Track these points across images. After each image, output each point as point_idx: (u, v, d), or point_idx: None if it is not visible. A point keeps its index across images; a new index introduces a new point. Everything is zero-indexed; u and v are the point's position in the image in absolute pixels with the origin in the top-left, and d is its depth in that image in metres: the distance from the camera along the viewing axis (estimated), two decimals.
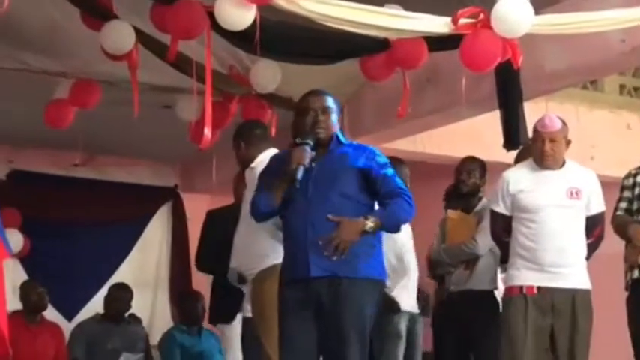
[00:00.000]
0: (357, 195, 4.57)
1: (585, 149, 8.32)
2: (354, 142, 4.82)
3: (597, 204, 5.28)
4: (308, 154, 4.52)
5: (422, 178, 8.64)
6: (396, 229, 4.71)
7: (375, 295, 4.56)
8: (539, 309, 5.04)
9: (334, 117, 4.68)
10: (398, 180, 4.68)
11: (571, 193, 5.17)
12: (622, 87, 9.24)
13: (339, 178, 4.55)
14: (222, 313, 6.95)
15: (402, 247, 6.10)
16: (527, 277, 5.08)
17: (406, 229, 6.00)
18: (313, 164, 4.52)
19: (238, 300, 6.08)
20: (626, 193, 5.50)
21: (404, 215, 4.64)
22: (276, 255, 4.84)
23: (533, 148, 5.27)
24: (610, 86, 9.15)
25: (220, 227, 6.07)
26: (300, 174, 4.46)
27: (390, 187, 4.61)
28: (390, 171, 4.65)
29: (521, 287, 5.09)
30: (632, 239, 5.31)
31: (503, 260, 5.47)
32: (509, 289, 5.17)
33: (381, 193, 4.60)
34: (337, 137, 4.69)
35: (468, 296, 5.93)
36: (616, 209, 5.48)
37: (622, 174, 5.70)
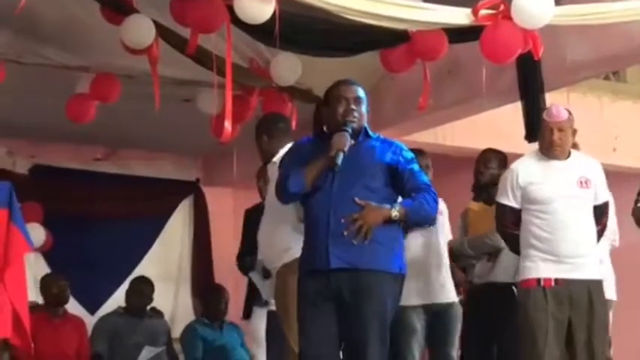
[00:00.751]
0: (381, 189, 4.56)
1: (608, 140, 8.29)
2: (382, 136, 4.80)
3: (604, 193, 5.28)
4: (348, 140, 4.51)
5: (443, 170, 8.61)
6: (419, 223, 4.75)
7: (395, 289, 4.55)
8: (558, 301, 5.01)
9: (364, 108, 4.67)
10: (424, 176, 4.68)
11: (581, 183, 5.15)
12: None
13: (366, 171, 4.54)
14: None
15: None
16: (544, 269, 5.05)
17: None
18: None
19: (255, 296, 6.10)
20: None
21: (429, 210, 4.61)
22: (299, 248, 4.83)
23: (541, 138, 5.24)
24: (633, 77, 9.09)
25: (256, 224, 6.07)
26: (340, 159, 4.45)
27: (417, 183, 4.60)
28: (416, 166, 4.65)
29: (538, 280, 5.06)
30: None
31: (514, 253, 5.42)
32: (526, 282, 5.12)
33: (406, 188, 4.59)
34: (366, 129, 4.68)
35: (492, 289, 5.89)
36: (637, 201, 5.45)
37: None
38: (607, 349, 5.70)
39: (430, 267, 6.04)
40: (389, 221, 4.47)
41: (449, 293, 6.07)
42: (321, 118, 4.76)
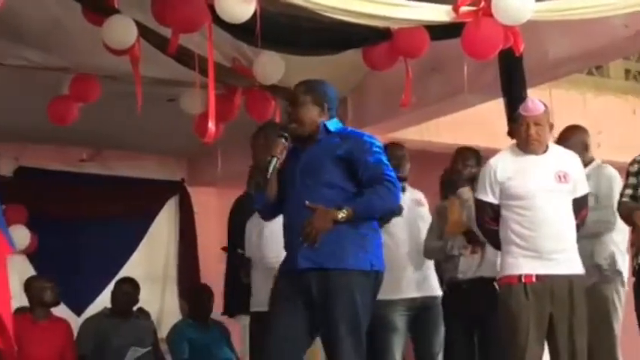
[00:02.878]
0: (342, 183, 4.57)
1: (592, 136, 8.25)
2: (349, 129, 4.80)
3: (583, 186, 5.28)
4: (282, 145, 4.57)
5: (429, 167, 8.64)
6: (373, 217, 4.65)
7: (367, 285, 4.52)
8: (539, 297, 5.02)
9: (308, 109, 4.69)
10: (383, 166, 4.61)
11: (559, 177, 5.15)
12: (627, 72, 9.23)
13: (323, 168, 4.57)
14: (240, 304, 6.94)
15: None
16: (525, 265, 5.05)
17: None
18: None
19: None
20: (632, 180, 5.46)
21: (380, 203, 4.56)
22: None
23: (518, 132, 5.24)
24: (615, 72, 9.13)
25: (244, 214, 6.10)
26: (272, 166, 4.55)
27: (370, 174, 4.56)
28: (373, 157, 4.60)
29: (519, 276, 5.06)
30: (638, 225, 5.29)
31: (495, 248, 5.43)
32: (507, 278, 5.12)
33: (363, 180, 4.57)
34: (325, 126, 4.68)
35: (480, 284, 5.87)
36: (622, 195, 5.46)
37: (629, 160, 5.68)
38: (615, 350, 5.73)
39: (412, 260, 6.06)
40: (337, 223, 4.46)
41: (432, 287, 6.08)
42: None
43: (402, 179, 6.22)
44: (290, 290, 4.51)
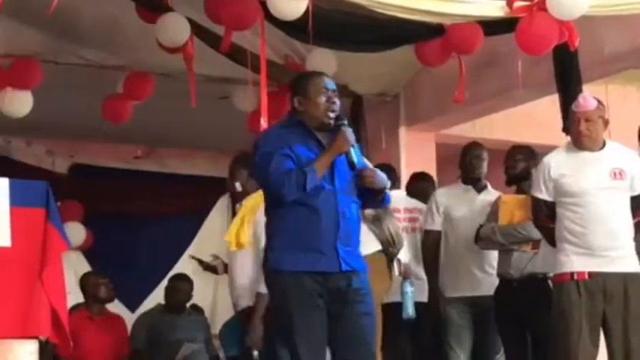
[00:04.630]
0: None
1: None
2: None
3: None
4: (353, 135, 4.47)
5: None
6: (382, 206, 4.82)
7: None
8: (592, 295, 4.96)
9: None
10: None
11: (615, 174, 5.07)
12: None
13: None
14: None
15: None
16: (577, 262, 4.99)
17: None
18: None
19: None
20: None
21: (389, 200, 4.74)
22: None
23: (571, 129, 5.19)
24: None
25: None
26: (354, 156, 4.42)
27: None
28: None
29: (572, 274, 5.01)
30: None
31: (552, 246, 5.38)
32: (560, 276, 5.07)
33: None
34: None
35: (531, 281, 5.81)
36: None
37: None
38: None
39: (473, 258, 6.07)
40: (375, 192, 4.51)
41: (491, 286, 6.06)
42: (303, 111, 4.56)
43: (473, 179, 6.25)
44: (318, 294, 4.37)
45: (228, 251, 5.88)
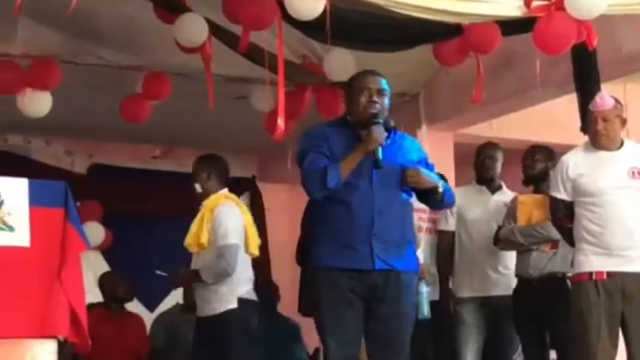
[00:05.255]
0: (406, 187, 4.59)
1: None
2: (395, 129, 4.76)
3: None
4: (384, 134, 4.47)
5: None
6: (443, 206, 4.84)
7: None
8: (610, 294, 4.94)
9: (387, 100, 4.62)
10: None
11: (633, 173, 5.05)
12: None
13: (400, 169, 4.52)
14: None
15: None
16: (595, 262, 4.98)
17: None
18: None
19: None
20: None
21: (453, 199, 4.78)
22: None
23: (588, 128, 5.18)
24: None
25: None
26: (380, 154, 4.42)
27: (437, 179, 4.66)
28: (429, 159, 4.75)
29: (590, 273, 4.99)
30: None
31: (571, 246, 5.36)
32: (578, 276, 5.06)
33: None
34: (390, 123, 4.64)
35: (551, 281, 5.81)
36: None
37: None
38: None
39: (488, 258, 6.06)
40: (427, 191, 4.54)
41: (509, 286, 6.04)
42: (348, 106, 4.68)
43: (486, 180, 6.24)
44: (353, 292, 4.43)
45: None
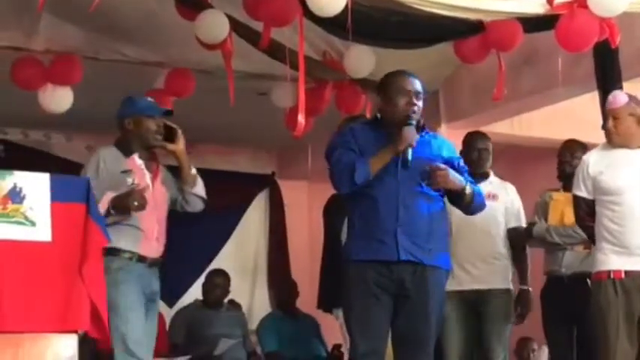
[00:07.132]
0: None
1: None
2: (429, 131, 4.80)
3: None
4: (415, 135, 4.51)
5: (520, 160, 8.56)
6: (473, 210, 4.78)
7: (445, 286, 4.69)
8: (628, 293, 4.91)
9: (421, 103, 4.67)
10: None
11: None
12: None
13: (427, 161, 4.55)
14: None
15: None
16: (614, 261, 4.95)
17: None
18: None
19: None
20: None
21: (483, 201, 4.81)
22: None
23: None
24: None
25: (336, 216, 6.05)
26: (410, 155, 4.46)
27: (469, 180, 4.70)
28: (462, 161, 4.77)
29: (609, 272, 4.97)
30: None
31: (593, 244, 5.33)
32: (597, 275, 5.03)
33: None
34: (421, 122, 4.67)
35: (583, 279, 5.74)
36: None
37: None
38: None
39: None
40: (455, 192, 4.57)
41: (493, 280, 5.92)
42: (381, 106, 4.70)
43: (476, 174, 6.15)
44: (378, 284, 4.47)
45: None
